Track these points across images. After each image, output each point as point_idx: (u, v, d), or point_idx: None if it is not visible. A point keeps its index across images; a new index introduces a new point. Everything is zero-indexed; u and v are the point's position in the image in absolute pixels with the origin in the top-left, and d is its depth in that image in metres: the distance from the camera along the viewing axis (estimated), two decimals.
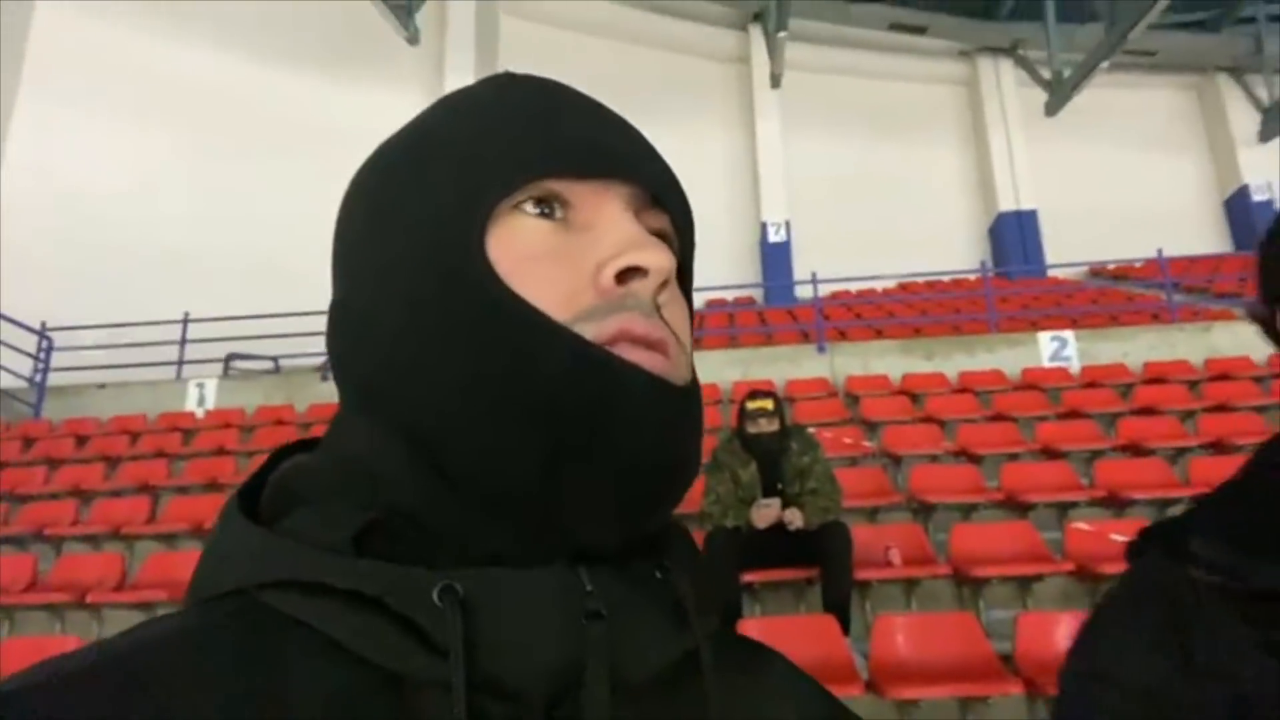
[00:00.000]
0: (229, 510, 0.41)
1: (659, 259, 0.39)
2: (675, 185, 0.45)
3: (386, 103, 12.68)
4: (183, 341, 9.57)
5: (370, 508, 0.38)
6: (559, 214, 0.41)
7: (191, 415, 8.37)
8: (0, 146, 10.37)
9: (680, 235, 0.45)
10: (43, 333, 9.26)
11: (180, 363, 9.44)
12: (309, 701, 0.33)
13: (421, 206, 0.41)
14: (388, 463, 0.39)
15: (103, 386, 8.93)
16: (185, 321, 9.64)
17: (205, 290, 10.21)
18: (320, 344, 9.38)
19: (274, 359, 10.08)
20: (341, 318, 0.43)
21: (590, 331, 0.38)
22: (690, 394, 0.41)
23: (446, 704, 0.33)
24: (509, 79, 0.46)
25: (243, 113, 12.02)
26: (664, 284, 0.40)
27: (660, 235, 0.43)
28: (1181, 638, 0.63)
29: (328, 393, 8.49)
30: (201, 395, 8.68)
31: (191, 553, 5.33)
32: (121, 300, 9.83)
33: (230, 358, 10.02)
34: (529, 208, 0.40)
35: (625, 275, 0.39)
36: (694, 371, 0.43)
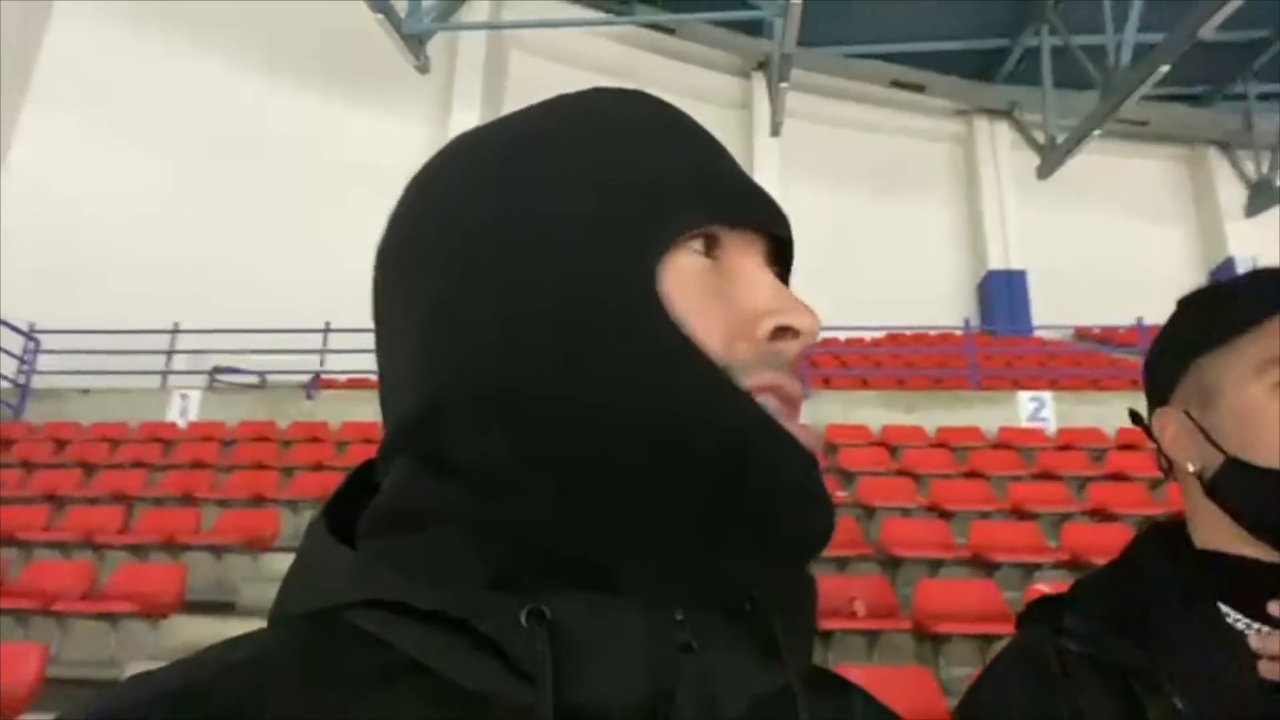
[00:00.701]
0: (315, 528, 0.40)
1: (812, 324, 0.40)
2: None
3: (388, 129, 12.86)
4: (170, 352, 9.60)
5: (497, 536, 0.37)
6: (714, 256, 0.41)
7: (173, 426, 8.37)
8: (1, 153, 10.47)
9: None
10: (30, 334, 9.29)
11: (166, 372, 9.47)
12: None
13: (579, 229, 0.38)
14: (523, 489, 0.37)
15: (86, 392, 8.93)
16: (174, 332, 9.68)
17: (195, 302, 10.25)
18: (308, 362, 9.45)
19: (260, 374, 10.11)
20: (448, 324, 0.39)
21: (744, 382, 0.38)
22: None
23: None
24: (636, 97, 0.45)
25: (244, 130, 12.13)
26: None
27: None
28: (1049, 700, 0.71)
29: (311, 411, 8.51)
30: (184, 406, 8.69)
31: (161, 565, 5.32)
32: (111, 307, 9.86)
33: (215, 370, 10.04)
34: (695, 245, 0.40)
35: (777, 332, 0.40)
36: None
